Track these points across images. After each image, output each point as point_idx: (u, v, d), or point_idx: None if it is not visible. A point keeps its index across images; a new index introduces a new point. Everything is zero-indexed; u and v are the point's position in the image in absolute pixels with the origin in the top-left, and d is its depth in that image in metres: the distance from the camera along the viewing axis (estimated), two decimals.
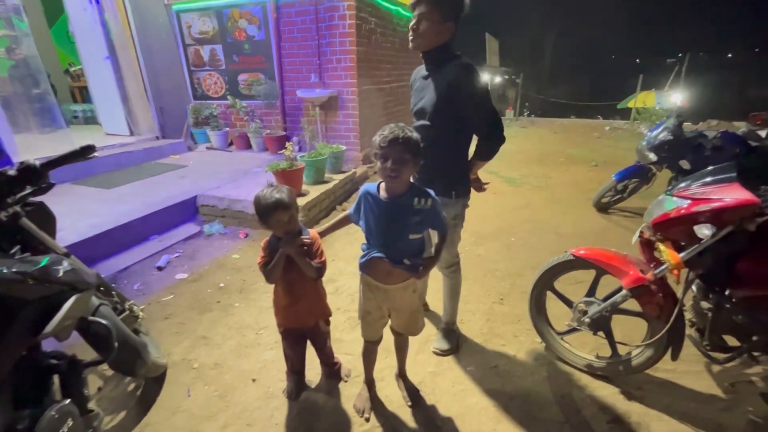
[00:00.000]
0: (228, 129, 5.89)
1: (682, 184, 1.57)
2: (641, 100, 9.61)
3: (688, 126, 3.52)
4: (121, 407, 1.70)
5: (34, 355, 1.13)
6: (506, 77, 12.45)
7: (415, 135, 1.29)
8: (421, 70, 1.83)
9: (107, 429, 1.57)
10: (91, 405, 1.28)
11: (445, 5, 1.59)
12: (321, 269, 1.53)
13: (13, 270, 0.95)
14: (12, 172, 1.15)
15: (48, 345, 1.19)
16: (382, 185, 1.40)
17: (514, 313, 2.39)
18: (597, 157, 6.38)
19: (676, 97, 8.93)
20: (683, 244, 1.56)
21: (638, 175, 3.75)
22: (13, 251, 1.16)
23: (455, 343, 2.11)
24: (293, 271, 1.50)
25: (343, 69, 4.99)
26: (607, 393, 1.81)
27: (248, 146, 5.75)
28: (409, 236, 1.37)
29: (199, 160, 5.26)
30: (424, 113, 1.75)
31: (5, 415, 0.98)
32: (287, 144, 3.77)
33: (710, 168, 1.54)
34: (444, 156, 1.77)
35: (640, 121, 9.02)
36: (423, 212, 1.35)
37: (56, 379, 1.20)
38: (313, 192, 3.86)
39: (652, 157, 3.38)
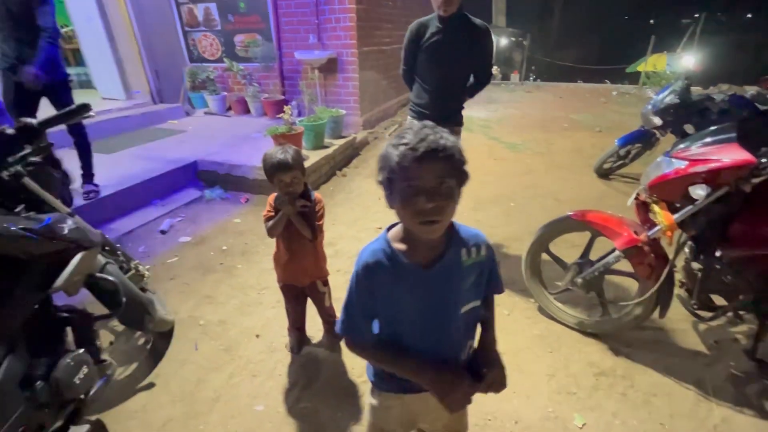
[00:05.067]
0: (226, 93, 5.76)
1: (682, 145, 1.57)
2: (651, 63, 9.23)
3: (696, 90, 3.43)
4: (132, 360, 1.80)
5: (47, 309, 1.19)
6: (513, 39, 11.95)
7: (458, 142, 0.75)
8: (431, 23, 2.21)
9: (121, 378, 1.67)
10: (104, 356, 1.36)
11: None
12: (315, 232, 1.57)
13: (20, 227, 0.98)
14: (10, 131, 1.16)
15: (60, 300, 1.24)
16: (397, 243, 0.83)
17: (509, 276, 2.44)
18: (602, 122, 6.25)
19: (688, 60, 8.62)
20: (678, 205, 1.57)
21: (641, 140, 3.69)
22: (17, 210, 1.19)
23: None
24: (292, 231, 1.55)
25: (342, 29, 4.81)
26: (596, 349, 1.89)
27: (247, 111, 5.66)
28: (461, 310, 0.86)
29: (198, 125, 5.19)
30: (452, 58, 2.20)
31: (22, 362, 1.04)
32: (286, 108, 3.71)
33: (711, 128, 1.53)
34: (461, 92, 2.39)
35: (648, 86, 8.73)
36: (477, 267, 0.86)
37: (69, 331, 1.27)
38: (313, 157, 3.84)
39: (657, 121, 3.30)
